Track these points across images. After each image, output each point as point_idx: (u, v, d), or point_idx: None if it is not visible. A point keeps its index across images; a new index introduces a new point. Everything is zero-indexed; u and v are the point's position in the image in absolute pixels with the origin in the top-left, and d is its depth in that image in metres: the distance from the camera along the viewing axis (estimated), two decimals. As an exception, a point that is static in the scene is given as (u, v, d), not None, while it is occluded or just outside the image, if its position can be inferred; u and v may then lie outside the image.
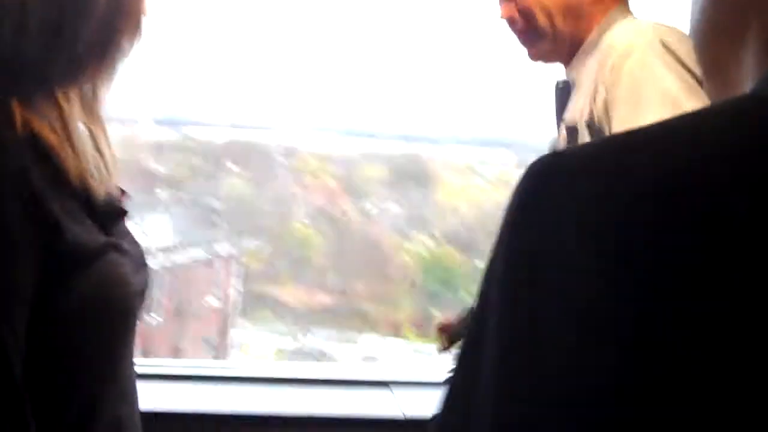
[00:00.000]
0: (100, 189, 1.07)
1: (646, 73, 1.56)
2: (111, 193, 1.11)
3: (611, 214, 0.51)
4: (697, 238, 0.48)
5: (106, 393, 1.11)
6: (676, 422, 0.47)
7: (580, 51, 1.78)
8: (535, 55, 1.87)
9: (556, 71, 1.92)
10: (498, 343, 0.53)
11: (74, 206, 1.04)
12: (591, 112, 1.63)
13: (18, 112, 1.01)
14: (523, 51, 1.89)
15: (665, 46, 1.56)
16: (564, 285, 0.51)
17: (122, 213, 1.16)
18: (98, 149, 1.10)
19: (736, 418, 0.47)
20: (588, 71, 1.70)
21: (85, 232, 1.04)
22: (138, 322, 1.15)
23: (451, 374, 0.59)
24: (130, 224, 1.21)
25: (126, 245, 1.12)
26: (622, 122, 1.53)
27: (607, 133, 1.57)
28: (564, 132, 1.74)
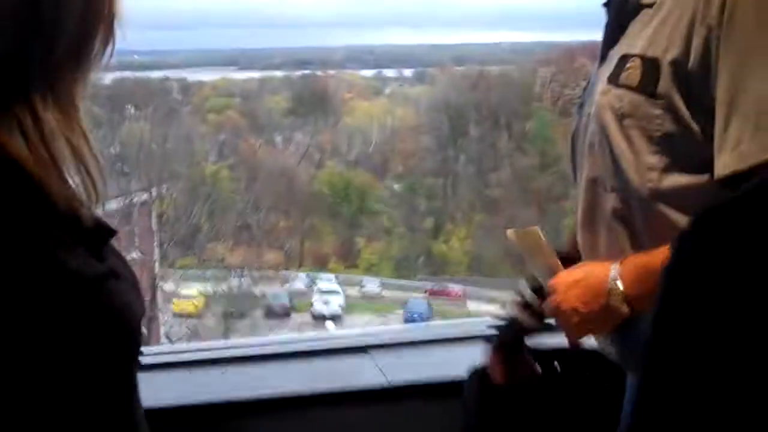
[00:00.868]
0: (88, 212, 1.03)
1: (764, 21, 1.34)
2: (98, 217, 1.06)
3: None
4: None
5: (120, 425, 1.09)
6: None
7: None
8: None
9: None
10: None
11: (64, 234, 0.99)
12: (683, 51, 1.42)
13: None
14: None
15: None
16: None
17: (111, 233, 1.10)
18: (84, 167, 1.04)
19: None
20: None
21: (81, 263, 0.99)
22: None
23: None
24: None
25: (120, 269, 1.08)
26: (730, 75, 1.35)
27: (701, 83, 1.40)
28: (634, 61, 1.50)
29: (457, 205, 36.18)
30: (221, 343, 2.43)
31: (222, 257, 22.63)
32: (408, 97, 44.75)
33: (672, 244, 0.76)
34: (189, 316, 20.88)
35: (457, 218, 35.45)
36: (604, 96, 1.53)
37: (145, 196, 20.22)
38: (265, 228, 31.29)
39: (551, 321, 1.76)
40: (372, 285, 30.66)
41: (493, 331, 1.94)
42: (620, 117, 1.49)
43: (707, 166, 1.39)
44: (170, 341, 19.25)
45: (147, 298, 18.46)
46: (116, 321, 1.02)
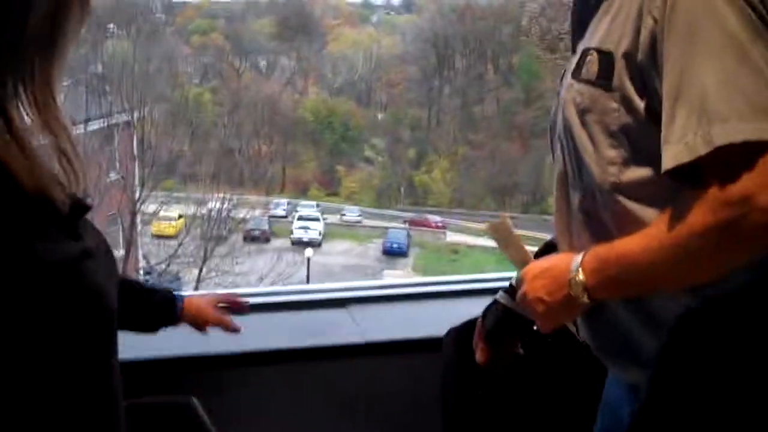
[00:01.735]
0: (62, 196, 1.00)
1: (706, 10, 1.34)
2: (73, 193, 1.04)
3: None
4: None
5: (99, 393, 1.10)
6: None
7: None
8: None
9: None
10: None
11: (34, 218, 0.97)
12: (632, 43, 1.43)
13: None
14: None
15: None
16: None
17: (85, 210, 1.09)
18: (65, 156, 1.01)
19: None
20: None
21: (52, 248, 0.99)
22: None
23: None
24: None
25: (91, 242, 1.08)
26: (675, 66, 1.35)
27: (650, 73, 1.39)
28: (592, 54, 1.51)
29: (441, 137, 36.10)
30: (201, 293, 2.42)
31: (203, 181, 22.56)
32: (395, 26, 44.26)
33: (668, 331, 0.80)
34: (168, 237, 20.91)
35: (440, 149, 35.41)
36: (567, 91, 1.54)
37: (127, 118, 20.03)
38: (247, 153, 31.17)
39: None
40: (352, 213, 30.79)
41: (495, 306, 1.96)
42: (582, 112, 1.51)
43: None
44: (147, 262, 19.31)
45: (127, 220, 18.45)
46: (90, 302, 1.03)
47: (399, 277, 23.21)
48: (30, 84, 0.97)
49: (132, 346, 1.47)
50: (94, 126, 17.53)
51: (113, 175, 18.26)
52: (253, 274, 19.35)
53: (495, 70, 38.82)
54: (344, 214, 30.71)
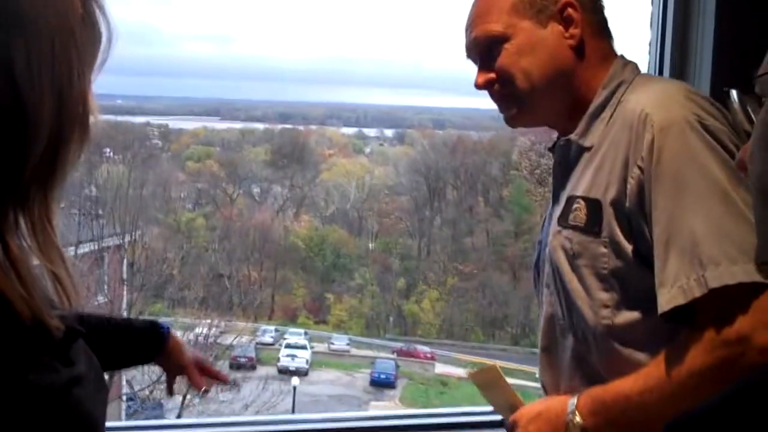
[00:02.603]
0: (57, 322, 0.98)
1: (690, 160, 1.41)
2: (67, 317, 1.02)
3: None
4: None
5: None
6: None
7: (587, 115, 1.60)
8: (515, 121, 1.69)
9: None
10: None
11: (28, 346, 0.96)
12: (620, 192, 1.48)
13: None
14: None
15: (704, 127, 1.42)
16: None
17: (78, 335, 1.07)
18: (60, 281, 1.00)
19: None
20: (613, 141, 1.53)
21: (45, 376, 0.97)
22: None
23: None
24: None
25: (83, 367, 1.06)
26: (663, 213, 1.41)
27: (638, 218, 1.46)
28: (579, 202, 1.56)
29: (431, 267, 36.17)
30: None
31: (192, 306, 22.44)
32: (387, 157, 45.03)
33: None
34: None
35: (430, 280, 35.41)
36: (555, 237, 1.59)
37: (118, 241, 20.09)
38: (237, 279, 31.10)
39: None
40: (340, 342, 30.49)
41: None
42: (572, 257, 1.55)
43: (655, 300, 1.42)
44: (131, 387, 18.95)
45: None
46: (79, 428, 1.01)
47: (386, 409, 22.78)
48: (29, 212, 0.96)
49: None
50: (84, 249, 17.55)
51: (101, 298, 18.16)
52: (238, 402, 18.98)
53: (485, 203, 39.31)
54: (332, 343, 30.41)
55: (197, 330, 20.06)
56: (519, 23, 1.60)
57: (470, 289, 33.96)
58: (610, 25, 1.69)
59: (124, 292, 19.41)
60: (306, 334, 30.24)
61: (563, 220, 1.58)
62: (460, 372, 27.04)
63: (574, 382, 1.58)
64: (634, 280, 1.48)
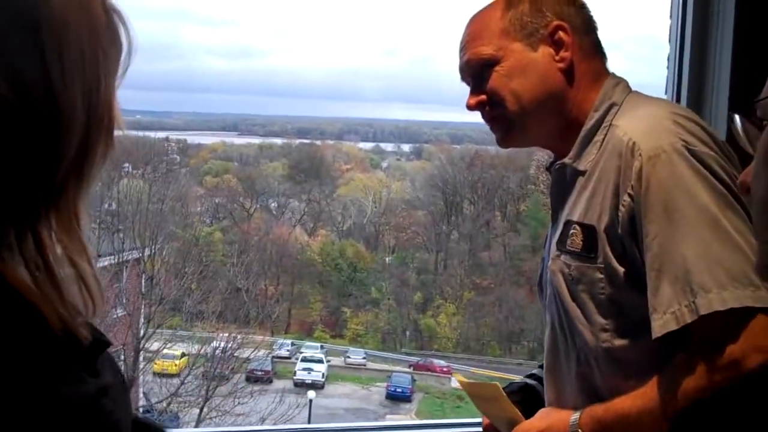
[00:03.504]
0: (85, 332, 1.00)
1: (678, 188, 1.44)
2: (92, 326, 1.04)
3: None
4: None
5: None
6: None
7: (580, 138, 1.62)
8: (506, 142, 1.73)
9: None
10: None
11: (59, 358, 0.98)
12: (612, 219, 1.51)
13: None
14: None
15: (691, 153, 1.44)
16: None
17: (105, 346, 1.08)
18: (86, 285, 1.02)
19: None
20: (604, 168, 1.55)
21: (74, 388, 0.99)
22: None
23: None
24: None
25: (109, 377, 1.07)
26: (654, 240, 1.44)
27: (630, 244, 1.49)
28: (575, 228, 1.58)
29: (448, 281, 36.10)
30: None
31: (209, 319, 22.51)
32: (405, 172, 45.08)
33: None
34: (170, 376, 20.67)
35: (446, 294, 35.34)
36: (554, 262, 1.62)
37: (137, 255, 20.19)
38: (254, 293, 31.16)
39: None
40: (357, 356, 30.45)
41: None
42: (571, 282, 1.58)
43: (650, 324, 1.46)
44: (147, 400, 19.00)
45: (130, 357, 18.28)
46: None
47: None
48: (60, 212, 1.00)
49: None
50: (104, 262, 17.64)
51: (120, 311, 18.24)
52: (255, 415, 18.99)
53: (503, 217, 39.26)
54: (349, 356, 30.38)
55: (215, 343, 20.11)
56: (509, 45, 1.63)
57: (487, 304, 33.88)
58: (603, 44, 1.70)
59: (142, 306, 19.49)
60: (322, 347, 30.24)
61: (561, 245, 1.61)
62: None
63: (578, 402, 1.60)
64: (629, 304, 1.52)
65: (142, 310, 19.48)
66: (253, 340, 23.03)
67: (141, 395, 19.05)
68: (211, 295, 23.84)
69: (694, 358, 1.40)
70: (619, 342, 1.53)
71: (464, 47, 1.67)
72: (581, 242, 1.57)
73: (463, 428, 3.08)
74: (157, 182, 26.68)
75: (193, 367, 20.00)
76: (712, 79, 2.29)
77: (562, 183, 1.67)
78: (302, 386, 25.36)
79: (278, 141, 48.79)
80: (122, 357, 17.79)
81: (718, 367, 1.37)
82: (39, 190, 0.97)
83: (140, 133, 31.10)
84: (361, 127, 56.81)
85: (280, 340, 29.89)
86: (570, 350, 1.62)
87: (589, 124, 1.61)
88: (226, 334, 20.56)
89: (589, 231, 1.56)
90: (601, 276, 1.53)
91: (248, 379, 23.17)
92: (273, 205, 40.85)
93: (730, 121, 1.17)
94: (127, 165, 27.98)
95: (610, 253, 1.52)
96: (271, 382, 25.26)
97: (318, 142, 47.26)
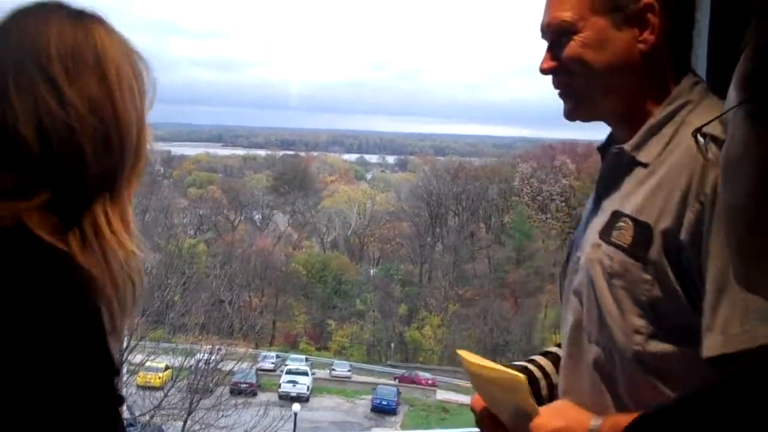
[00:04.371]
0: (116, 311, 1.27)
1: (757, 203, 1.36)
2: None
3: None
4: None
5: None
6: None
7: (646, 129, 1.53)
8: (571, 114, 1.64)
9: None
10: None
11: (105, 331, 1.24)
12: (675, 222, 1.42)
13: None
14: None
15: None
16: None
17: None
18: (129, 269, 1.28)
19: None
20: (674, 166, 1.47)
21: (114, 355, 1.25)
22: None
23: None
24: None
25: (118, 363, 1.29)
26: (721, 255, 1.35)
27: (692, 256, 1.40)
28: (626, 222, 1.50)
29: (432, 293, 36.13)
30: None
31: (192, 331, 22.41)
32: (389, 183, 45.13)
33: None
34: (154, 388, 20.56)
35: (431, 306, 35.36)
36: (594, 251, 1.53)
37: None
38: (238, 305, 31.07)
39: None
40: (342, 368, 30.40)
41: None
42: (609, 276, 1.49)
43: (692, 336, 1.39)
44: (131, 413, 18.88)
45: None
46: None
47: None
48: (118, 203, 1.30)
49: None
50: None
51: (102, 324, 18.12)
52: (239, 428, 18.90)
53: (487, 229, 39.36)
54: (334, 369, 30.32)
55: (198, 356, 20.01)
56: (592, 17, 1.54)
57: (472, 316, 33.91)
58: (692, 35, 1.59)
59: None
60: (307, 360, 30.16)
61: (605, 235, 1.52)
62: (462, 399, 26.94)
63: (595, 396, 1.54)
64: (672, 312, 1.44)
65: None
66: (237, 352, 22.97)
67: (125, 408, 18.92)
68: (195, 307, 23.77)
69: None
70: (651, 348, 1.46)
71: (548, 6, 1.60)
72: (631, 238, 1.49)
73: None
74: (140, 193, 26.61)
75: (177, 380, 19.89)
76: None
77: (615, 169, 1.58)
78: (287, 399, 25.28)
79: (262, 153, 48.77)
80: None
81: None
82: (105, 188, 1.27)
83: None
84: (345, 138, 56.89)
85: (264, 353, 29.80)
86: (594, 343, 1.54)
87: (659, 116, 1.53)
88: (210, 346, 20.47)
89: (642, 228, 1.47)
90: (648, 277, 1.45)
91: (232, 392, 23.06)
92: (257, 216, 40.79)
93: (695, 141, 1.13)
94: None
95: (663, 257, 1.44)
96: (255, 394, 25.16)
97: (302, 153, 47.27)
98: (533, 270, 36.28)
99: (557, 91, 1.60)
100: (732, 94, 0.87)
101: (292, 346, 33.14)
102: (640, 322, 1.47)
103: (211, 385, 19.91)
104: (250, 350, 27.73)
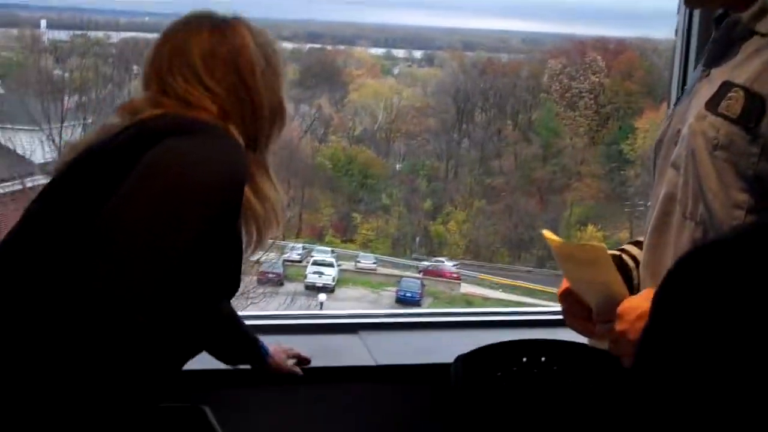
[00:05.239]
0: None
1: None
2: None
3: None
4: None
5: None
6: None
7: (759, 4, 1.50)
8: (691, 2, 1.64)
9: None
10: None
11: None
12: None
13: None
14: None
15: None
16: None
17: None
18: (273, 210, 2.04)
19: None
20: None
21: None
22: None
23: None
24: None
25: None
26: None
27: None
28: (737, 92, 1.45)
29: (458, 189, 36.16)
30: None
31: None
32: (416, 78, 44.57)
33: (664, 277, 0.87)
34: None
35: (456, 201, 35.44)
36: (699, 122, 1.51)
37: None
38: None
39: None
40: (367, 260, 30.72)
41: None
42: (713, 147, 1.47)
43: None
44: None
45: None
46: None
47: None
48: (259, 150, 1.96)
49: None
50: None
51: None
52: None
53: (514, 126, 39.01)
54: (359, 261, 30.68)
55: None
56: None
57: (497, 212, 34.00)
58: None
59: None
60: (333, 252, 30.51)
61: (712, 106, 1.50)
62: (486, 292, 27.30)
63: None
64: None
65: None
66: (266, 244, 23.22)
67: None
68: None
69: None
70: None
71: None
72: (740, 108, 1.45)
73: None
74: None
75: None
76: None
77: (729, 39, 1.55)
78: (313, 289, 25.71)
79: (289, 46, 48.22)
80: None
81: None
82: (248, 146, 1.87)
83: (149, 35, 30.77)
84: (372, 32, 56.03)
85: (291, 244, 30.17)
86: (688, 214, 1.52)
87: None
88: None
89: (754, 99, 1.43)
90: (756, 150, 1.43)
91: (260, 281, 23.48)
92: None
93: None
94: (136, 67, 27.77)
95: None
96: (282, 284, 25.59)
97: (329, 47, 46.67)
98: (560, 167, 36.08)
99: None
100: None
101: (319, 238, 33.48)
102: (742, 197, 1.45)
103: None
104: (277, 241, 28.08)
